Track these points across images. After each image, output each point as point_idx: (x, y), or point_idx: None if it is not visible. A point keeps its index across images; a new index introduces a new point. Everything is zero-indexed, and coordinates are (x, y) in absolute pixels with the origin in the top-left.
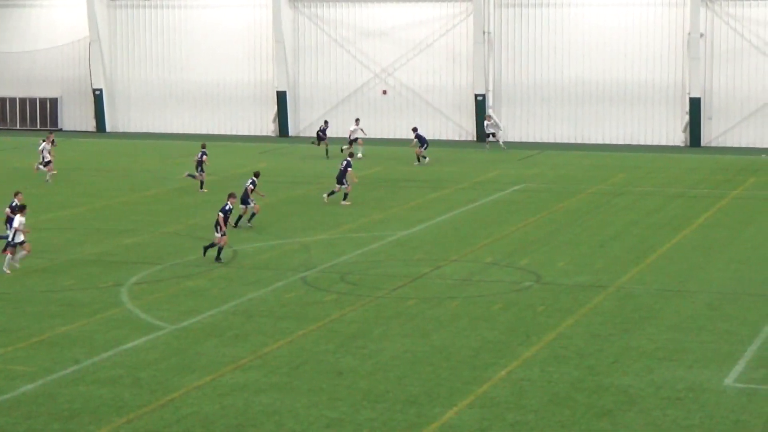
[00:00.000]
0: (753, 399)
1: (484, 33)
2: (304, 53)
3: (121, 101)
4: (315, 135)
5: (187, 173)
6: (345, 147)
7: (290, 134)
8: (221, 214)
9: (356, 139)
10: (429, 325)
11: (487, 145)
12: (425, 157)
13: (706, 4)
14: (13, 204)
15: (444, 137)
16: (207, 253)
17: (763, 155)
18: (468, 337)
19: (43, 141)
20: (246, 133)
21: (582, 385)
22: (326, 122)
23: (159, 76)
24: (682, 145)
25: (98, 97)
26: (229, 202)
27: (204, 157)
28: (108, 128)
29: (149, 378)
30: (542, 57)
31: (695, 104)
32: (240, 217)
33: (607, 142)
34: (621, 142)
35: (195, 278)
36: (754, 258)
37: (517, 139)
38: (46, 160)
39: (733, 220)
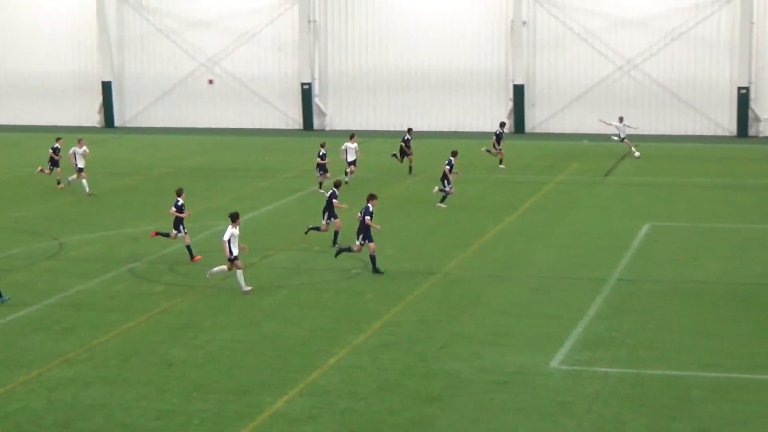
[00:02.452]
0: (578, 380)
1: (309, 22)
2: (129, 43)
3: None
4: (398, 148)
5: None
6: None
7: (116, 125)
8: (368, 218)
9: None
10: (259, 314)
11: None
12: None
13: None
14: (179, 204)
15: (270, 126)
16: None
17: (585, 141)
18: (298, 326)
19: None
20: (70, 124)
21: (411, 371)
22: (410, 130)
23: None
24: (507, 132)
25: None
26: (370, 204)
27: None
28: None
29: None
30: (368, 45)
31: (519, 91)
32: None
33: (434, 129)
34: (447, 129)
35: (20, 271)
36: (576, 242)
37: (343, 127)
38: (79, 166)
39: (556, 205)
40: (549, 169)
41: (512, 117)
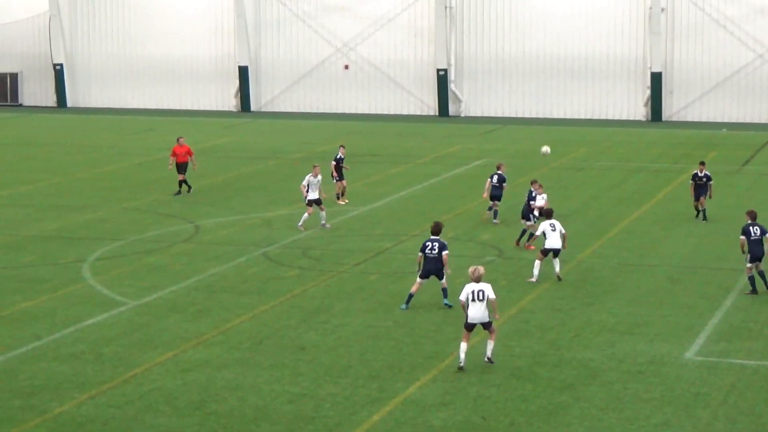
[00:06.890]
0: (713, 372)
1: (445, 7)
2: (265, 28)
3: (81, 76)
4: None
5: None
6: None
7: (252, 109)
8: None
9: None
10: (391, 299)
11: None
12: None
13: None
14: (534, 195)
15: (406, 112)
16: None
17: (724, 130)
18: (430, 312)
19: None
20: (208, 108)
21: (544, 359)
22: (702, 163)
23: (120, 51)
24: (643, 119)
25: (59, 72)
26: None
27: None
28: (69, 103)
29: (112, 354)
30: (504, 31)
31: (656, 79)
32: None
33: (569, 116)
34: (582, 116)
35: (156, 254)
36: (712, 232)
37: (478, 114)
38: (310, 198)
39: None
40: (686, 158)
41: (649, 105)
